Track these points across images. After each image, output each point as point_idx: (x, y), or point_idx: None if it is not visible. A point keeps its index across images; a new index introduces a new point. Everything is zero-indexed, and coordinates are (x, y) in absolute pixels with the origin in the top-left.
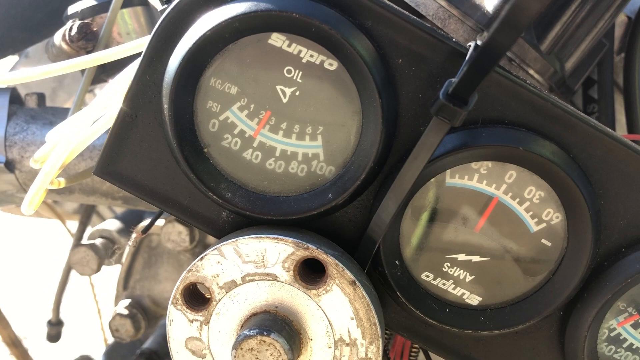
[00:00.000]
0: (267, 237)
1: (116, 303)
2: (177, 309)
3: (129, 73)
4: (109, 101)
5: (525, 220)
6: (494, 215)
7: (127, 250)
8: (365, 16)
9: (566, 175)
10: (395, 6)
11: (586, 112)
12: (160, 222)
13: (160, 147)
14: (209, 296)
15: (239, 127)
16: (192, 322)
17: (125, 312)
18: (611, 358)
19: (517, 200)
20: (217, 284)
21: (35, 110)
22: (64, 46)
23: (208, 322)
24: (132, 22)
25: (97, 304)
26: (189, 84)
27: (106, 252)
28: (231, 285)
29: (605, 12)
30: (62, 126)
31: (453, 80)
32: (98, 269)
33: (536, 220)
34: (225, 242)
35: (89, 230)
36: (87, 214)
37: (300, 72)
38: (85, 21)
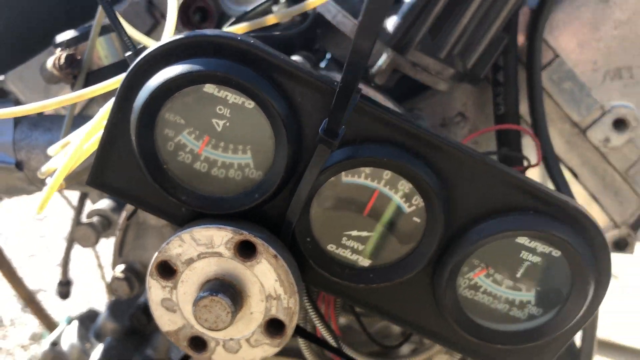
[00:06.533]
0: (213, 227)
1: (113, 267)
2: (154, 279)
3: (108, 106)
4: (98, 126)
5: (400, 205)
6: (376, 202)
7: (120, 227)
8: (270, 70)
9: (419, 175)
10: (294, 61)
11: (494, 93)
12: None
13: (133, 164)
14: (175, 269)
15: (189, 146)
16: (164, 287)
17: (122, 275)
18: (473, 300)
19: (393, 190)
20: (180, 261)
21: (36, 119)
22: (55, 72)
23: (176, 287)
24: (107, 47)
25: (101, 268)
26: (149, 122)
27: (102, 228)
28: (190, 261)
29: (495, 20)
30: (60, 143)
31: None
32: (97, 242)
33: (408, 204)
34: (183, 232)
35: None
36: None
37: (228, 110)
38: (71, 52)
